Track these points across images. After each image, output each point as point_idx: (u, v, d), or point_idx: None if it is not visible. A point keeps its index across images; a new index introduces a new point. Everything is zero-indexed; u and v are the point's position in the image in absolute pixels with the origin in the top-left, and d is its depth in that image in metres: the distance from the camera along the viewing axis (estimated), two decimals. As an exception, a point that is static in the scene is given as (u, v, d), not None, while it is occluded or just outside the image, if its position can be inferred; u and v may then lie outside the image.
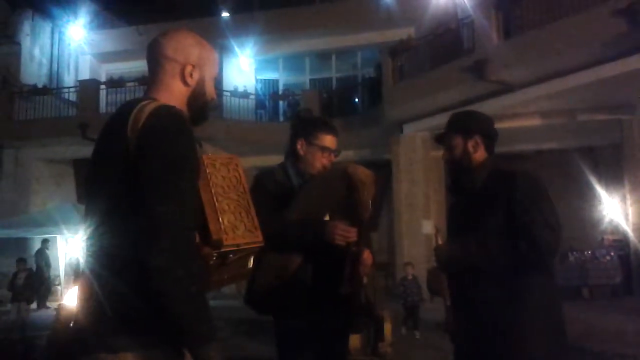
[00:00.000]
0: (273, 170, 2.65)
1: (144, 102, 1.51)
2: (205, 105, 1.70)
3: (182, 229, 1.39)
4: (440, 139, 2.51)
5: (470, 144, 2.39)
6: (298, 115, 2.95)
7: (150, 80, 1.66)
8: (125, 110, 1.51)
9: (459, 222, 2.43)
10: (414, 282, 8.70)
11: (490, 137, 2.43)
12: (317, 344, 2.47)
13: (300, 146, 2.60)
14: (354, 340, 5.83)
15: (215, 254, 1.55)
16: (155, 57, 1.65)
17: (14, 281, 10.85)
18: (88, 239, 1.53)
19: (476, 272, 2.23)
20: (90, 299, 1.46)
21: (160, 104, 1.51)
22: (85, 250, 1.53)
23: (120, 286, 1.41)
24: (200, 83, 1.67)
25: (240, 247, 1.60)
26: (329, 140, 2.62)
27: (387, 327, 7.08)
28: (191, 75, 1.64)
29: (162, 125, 1.44)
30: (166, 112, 1.48)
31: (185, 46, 1.65)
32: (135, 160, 1.41)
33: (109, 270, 1.43)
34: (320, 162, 2.59)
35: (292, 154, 2.64)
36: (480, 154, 2.40)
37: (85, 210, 1.57)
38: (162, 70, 1.63)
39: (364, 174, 2.47)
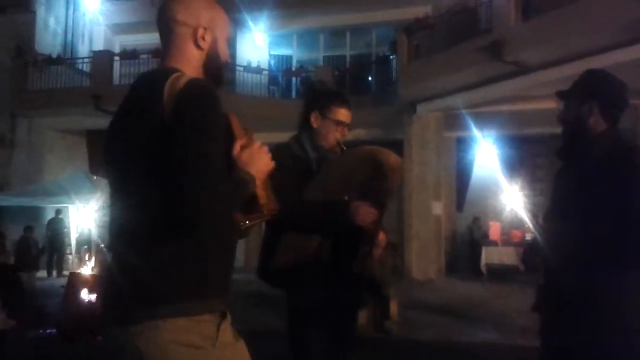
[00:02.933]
0: (289, 144, 2.64)
1: (177, 74, 1.49)
2: (220, 68, 1.69)
3: (219, 193, 1.40)
4: (561, 96, 2.27)
5: (583, 110, 2.15)
6: (312, 87, 2.91)
7: (163, 47, 1.64)
8: (154, 78, 1.51)
9: (561, 193, 2.22)
10: None
11: (611, 105, 2.15)
12: (328, 319, 2.50)
13: (315, 119, 2.60)
14: (360, 317, 5.90)
15: (242, 222, 1.55)
16: (166, 22, 1.63)
17: (25, 249, 10.88)
18: (111, 208, 1.53)
19: (575, 257, 2.03)
20: (112, 270, 1.46)
21: (192, 77, 1.51)
22: (107, 220, 1.54)
23: (144, 257, 1.42)
24: (214, 45, 1.65)
25: (271, 214, 1.62)
26: (343, 113, 2.61)
27: (393, 305, 7.16)
28: (204, 38, 1.62)
29: (200, 94, 1.45)
30: (202, 83, 1.49)
31: (195, 9, 1.62)
32: (171, 128, 1.39)
33: (133, 239, 1.45)
34: (333, 135, 2.59)
35: (306, 127, 2.63)
36: (596, 122, 2.14)
37: (109, 179, 1.57)
38: (174, 35, 1.61)
39: (395, 161, 2.45)
